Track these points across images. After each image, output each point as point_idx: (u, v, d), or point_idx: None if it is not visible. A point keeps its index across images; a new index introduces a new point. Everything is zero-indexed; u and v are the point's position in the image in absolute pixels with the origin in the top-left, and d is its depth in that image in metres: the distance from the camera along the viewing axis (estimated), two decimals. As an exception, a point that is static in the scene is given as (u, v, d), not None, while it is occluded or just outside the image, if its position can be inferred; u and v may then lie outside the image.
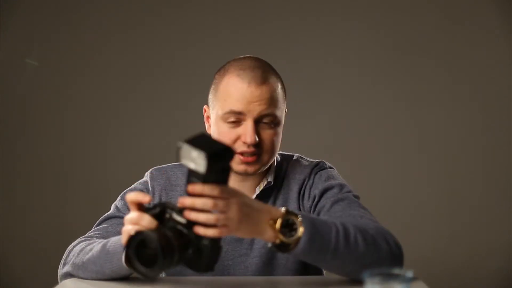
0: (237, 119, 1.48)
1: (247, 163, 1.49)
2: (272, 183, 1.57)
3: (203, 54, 3.14)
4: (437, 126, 3.15)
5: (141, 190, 1.57)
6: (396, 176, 3.15)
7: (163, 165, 1.66)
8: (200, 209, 1.17)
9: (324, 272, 1.62)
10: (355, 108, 3.17)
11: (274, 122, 1.50)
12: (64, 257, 1.50)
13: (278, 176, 1.59)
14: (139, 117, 3.18)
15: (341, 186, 1.54)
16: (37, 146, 3.20)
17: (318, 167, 1.60)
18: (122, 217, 1.42)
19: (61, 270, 1.49)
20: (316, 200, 1.54)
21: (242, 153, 1.48)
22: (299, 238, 1.24)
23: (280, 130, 1.54)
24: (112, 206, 1.59)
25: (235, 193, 1.21)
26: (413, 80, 3.15)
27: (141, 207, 1.24)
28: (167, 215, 1.21)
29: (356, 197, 1.52)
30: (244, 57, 1.55)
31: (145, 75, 3.19)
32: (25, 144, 3.19)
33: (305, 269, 1.56)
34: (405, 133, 3.15)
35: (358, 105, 3.16)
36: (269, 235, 1.24)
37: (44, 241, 3.16)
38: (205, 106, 1.58)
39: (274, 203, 1.56)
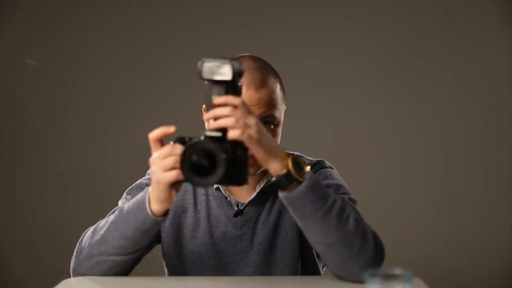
0: None
1: None
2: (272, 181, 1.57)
3: (203, 54, 3.11)
4: (437, 126, 3.14)
5: (147, 185, 1.51)
6: (396, 177, 3.15)
7: None
8: (221, 114, 1.23)
9: (322, 272, 1.62)
10: (354, 108, 3.16)
11: (273, 123, 1.50)
12: (76, 250, 1.44)
13: (278, 175, 1.59)
14: (139, 117, 3.18)
15: (338, 187, 1.53)
16: (37, 146, 3.19)
17: (317, 166, 1.59)
18: None
19: (74, 263, 1.43)
20: None
21: None
22: (303, 179, 1.28)
23: (279, 130, 1.53)
24: (119, 202, 1.55)
25: (254, 114, 1.27)
26: (413, 80, 3.15)
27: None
28: (191, 142, 1.23)
29: (352, 200, 1.50)
30: (243, 57, 1.53)
31: (145, 75, 3.19)
32: (25, 144, 3.19)
33: (302, 265, 1.55)
34: (405, 133, 3.15)
35: (358, 105, 3.16)
36: (280, 162, 1.28)
37: (44, 241, 3.16)
38: (204, 106, 1.57)
39: (273, 202, 1.55)
